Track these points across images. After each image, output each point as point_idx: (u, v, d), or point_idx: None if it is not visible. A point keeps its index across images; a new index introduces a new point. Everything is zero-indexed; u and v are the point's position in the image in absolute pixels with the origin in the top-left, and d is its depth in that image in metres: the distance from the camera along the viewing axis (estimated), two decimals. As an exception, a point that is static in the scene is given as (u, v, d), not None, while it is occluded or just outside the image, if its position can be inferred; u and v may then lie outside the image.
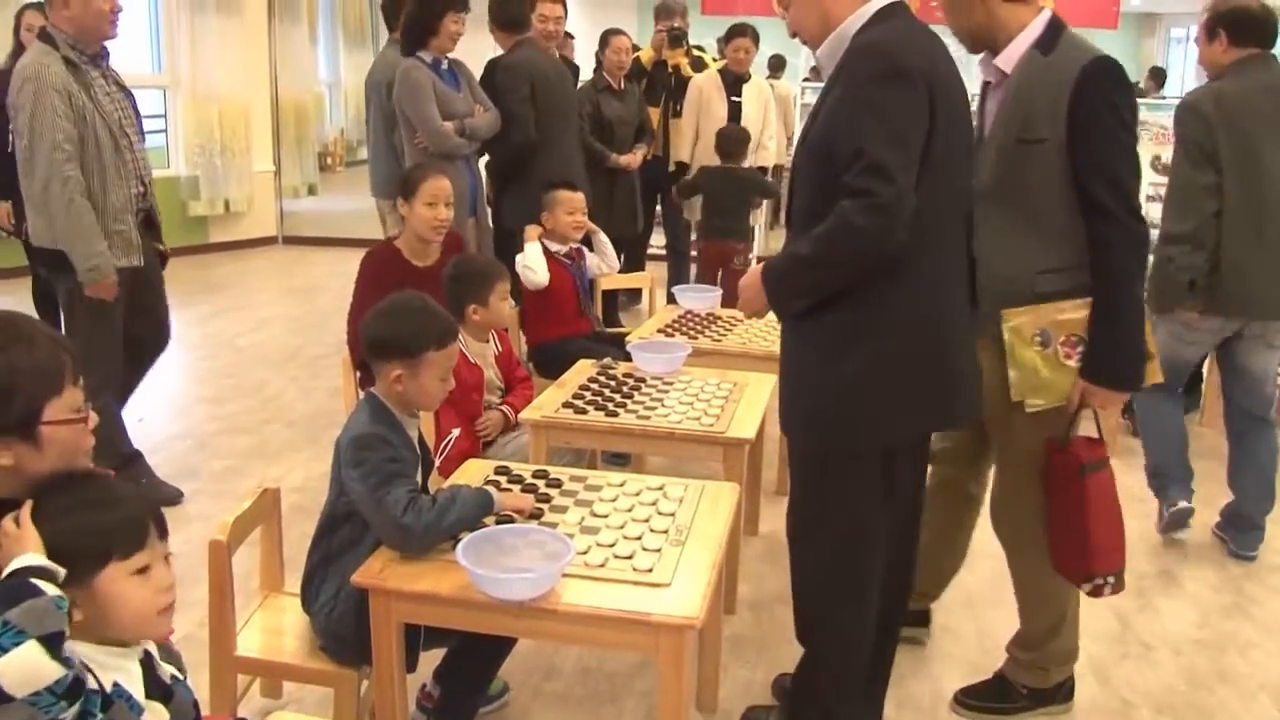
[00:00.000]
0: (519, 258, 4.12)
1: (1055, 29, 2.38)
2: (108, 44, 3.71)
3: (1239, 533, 3.82)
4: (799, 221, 2.19)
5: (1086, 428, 2.58)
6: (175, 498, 3.91)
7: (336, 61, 14.36)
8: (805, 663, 2.45)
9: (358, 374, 3.66)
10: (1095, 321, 2.38)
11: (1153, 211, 8.22)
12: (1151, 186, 8.40)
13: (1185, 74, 18.53)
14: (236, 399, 5.17)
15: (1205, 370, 5.24)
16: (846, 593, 2.31)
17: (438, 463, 3.19)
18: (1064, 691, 2.79)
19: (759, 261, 2.84)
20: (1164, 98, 15.92)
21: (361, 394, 3.62)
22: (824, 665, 2.39)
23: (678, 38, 6.41)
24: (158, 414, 4.93)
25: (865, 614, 2.34)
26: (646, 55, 6.45)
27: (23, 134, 3.45)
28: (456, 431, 3.25)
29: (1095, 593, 2.52)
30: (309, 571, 2.29)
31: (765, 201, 6.58)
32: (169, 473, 4.19)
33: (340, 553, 2.23)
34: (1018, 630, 2.81)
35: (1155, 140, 8.60)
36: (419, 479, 2.28)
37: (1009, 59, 2.41)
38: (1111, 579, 2.50)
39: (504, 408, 3.39)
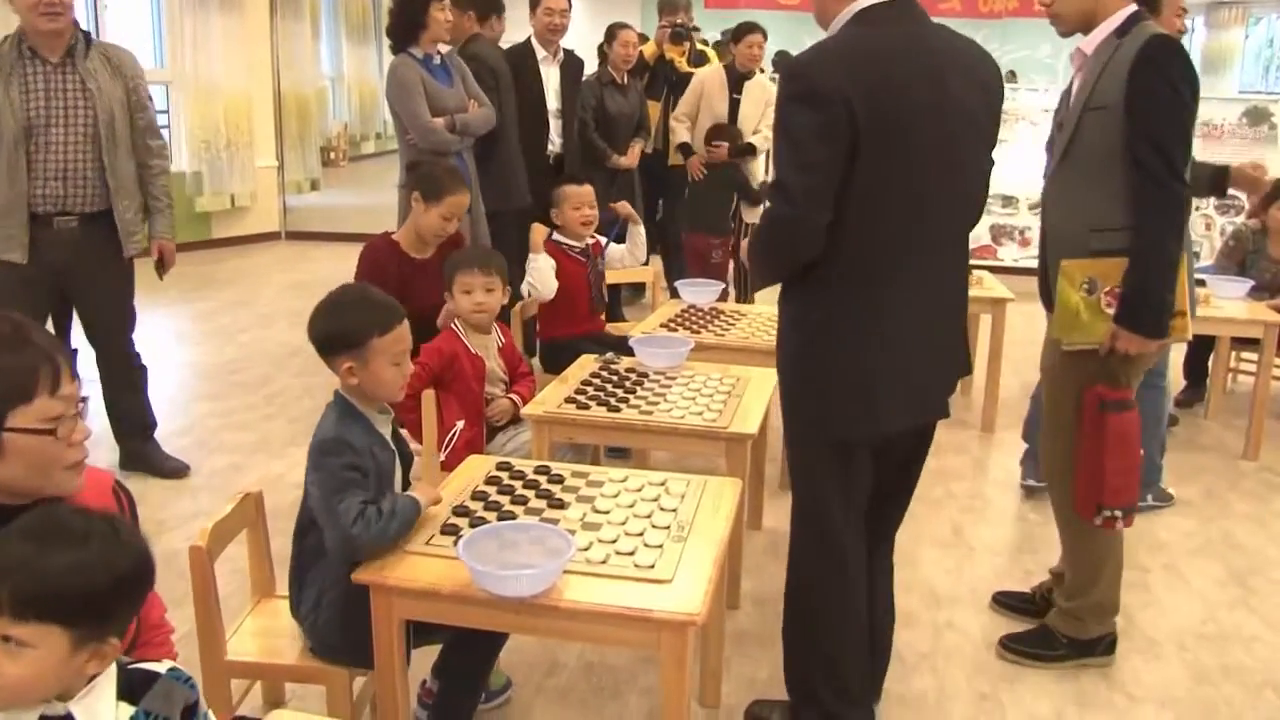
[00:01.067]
0: (528, 266, 4.11)
1: (1136, 17, 2.65)
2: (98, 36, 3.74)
3: (1146, 489, 3.99)
4: None
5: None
6: (182, 470, 4.07)
7: (339, 56, 14.39)
8: (798, 663, 2.49)
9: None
10: (1128, 270, 2.59)
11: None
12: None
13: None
14: (239, 395, 5.16)
15: (1210, 364, 5.23)
16: (825, 566, 2.39)
17: (443, 456, 3.20)
18: (1104, 645, 2.95)
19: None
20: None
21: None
22: (816, 653, 2.44)
23: (679, 34, 6.41)
24: (159, 410, 4.89)
25: (848, 595, 2.40)
26: (649, 50, 6.44)
27: None
28: (461, 424, 3.25)
29: (1107, 525, 2.71)
30: (290, 576, 2.28)
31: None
32: (171, 469, 4.22)
33: (313, 559, 2.21)
34: (1065, 580, 2.99)
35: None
36: (397, 476, 2.27)
37: (1091, 43, 2.70)
38: (1120, 512, 2.70)
39: (512, 396, 3.39)
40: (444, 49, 4.66)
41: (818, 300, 2.25)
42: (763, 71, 6.25)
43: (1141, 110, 2.53)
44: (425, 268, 3.71)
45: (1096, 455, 2.66)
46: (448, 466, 3.20)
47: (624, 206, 4.63)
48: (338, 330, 2.22)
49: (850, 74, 2.07)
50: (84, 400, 1.63)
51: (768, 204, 2.22)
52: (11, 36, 3.66)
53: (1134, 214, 2.57)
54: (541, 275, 4.06)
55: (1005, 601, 3.28)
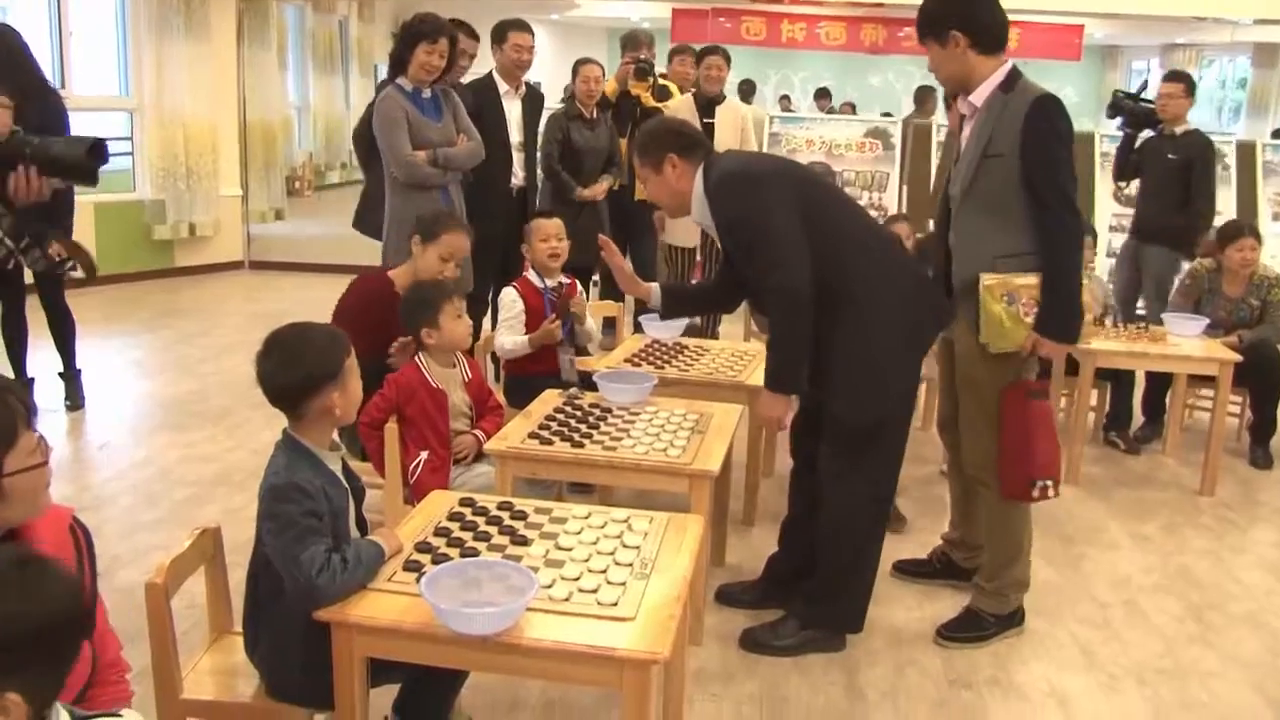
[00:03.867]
0: (498, 342, 4.10)
1: (1014, 75, 3.10)
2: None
3: None
4: None
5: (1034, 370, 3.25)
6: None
7: (306, 85, 14.36)
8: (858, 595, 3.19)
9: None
10: (1043, 289, 3.06)
11: (1114, 241, 8.33)
12: (1114, 217, 8.51)
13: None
14: (200, 426, 5.12)
15: (1168, 401, 5.30)
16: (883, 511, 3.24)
17: (410, 482, 3.19)
18: (1019, 615, 3.39)
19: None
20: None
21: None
22: (865, 575, 3.19)
23: (643, 70, 6.43)
24: (120, 441, 4.88)
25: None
26: (610, 87, 6.46)
27: None
28: (424, 455, 3.24)
29: (1041, 495, 3.14)
30: (245, 617, 2.25)
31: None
32: (130, 502, 4.17)
33: (267, 602, 2.18)
34: (983, 564, 3.39)
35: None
36: (350, 509, 2.26)
37: (980, 97, 3.11)
38: (1049, 482, 3.14)
39: (476, 432, 3.38)
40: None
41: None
42: (724, 99, 6.28)
43: (1039, 158, 2.99)
44: None
45: (1024, 437, 3.10)
46: (416, 497, 3.19)
47: (578, 302, 4.28)
48: (318, 367, 2.20)
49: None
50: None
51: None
52: None
53: (1039, 243, 3.04)
54: (506, 343, 4.07)
55: (906, 569, 3.75)
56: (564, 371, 4.11)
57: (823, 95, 13.78)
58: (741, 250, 3.07)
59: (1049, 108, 3.01)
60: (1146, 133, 5.99)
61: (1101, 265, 7.60)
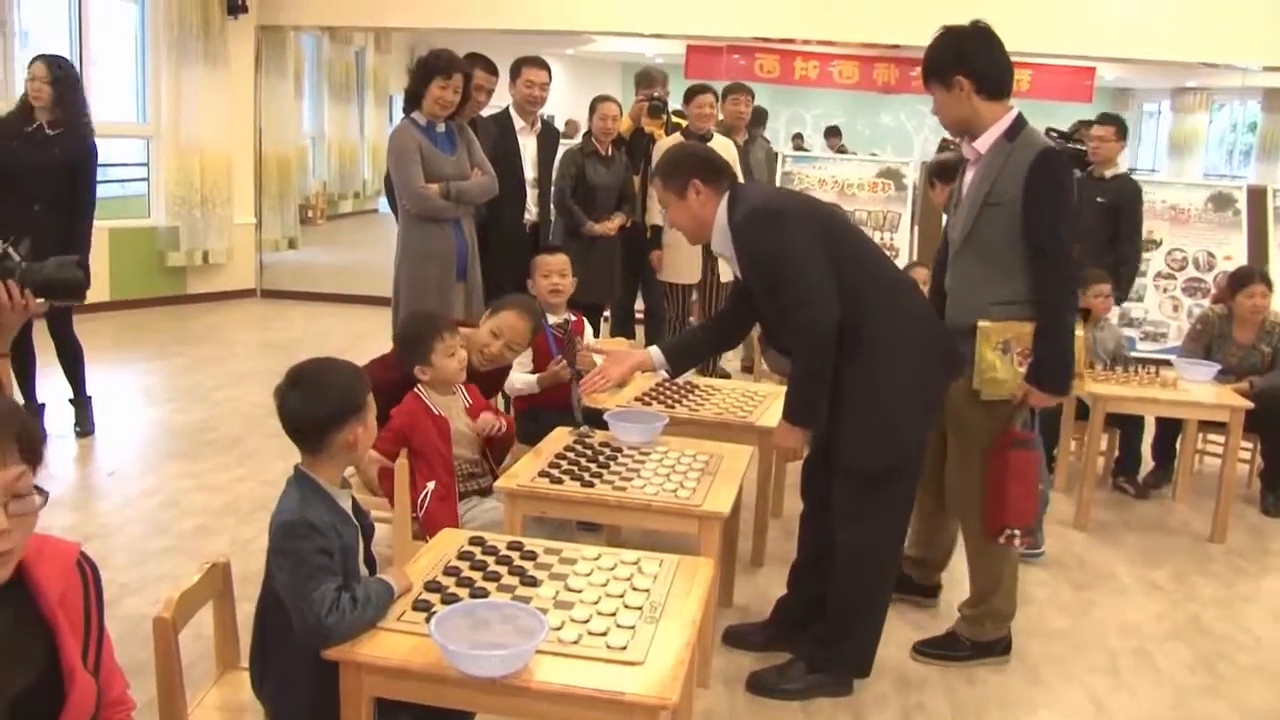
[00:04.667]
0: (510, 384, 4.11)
1: (1020, 123, 3.13)
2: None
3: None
4: None
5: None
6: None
7: (321, 115, 14.47)
8: (846, 627, 3.15)
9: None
10: (1036, 339, 3.11)
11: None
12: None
13: (1157, 146, 18.90)
14: (210, 455, 5.13)
15: (1178, 447, 5.28)
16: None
17: (419, 513, 3.20)
18: (1001, 645, 3.47)
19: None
20: (1132, 172, 16.26)
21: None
22: (875, 618, 3.18)
23: (657, 108, 6.48)
24: (129, 469, 4.89)
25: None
26: (625, 124, 6.50)
27: None
28: (432, 485, 3.24)
29: (1008, 541, 3.21)
30: (252, 653, 2.25)
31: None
32: (138, 531, 4.17)
33: (277, 638, 2.17)
34: (970, 592, 3.47)
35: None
36: (360, 547, 2.27)
37: (984, 143, 3.15)
38: (1019, 532, 3.20)
39: (494, 415, 3.47)
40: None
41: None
42: (712, 136, 6.30)
43: (1041, 210, 3.04)
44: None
45: (1000, 481, 3.18)
46: (425, 528, 3.20)
47: (585, 358, 4.19)
48: (347, 401, 2.22)
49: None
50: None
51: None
52: None
53: (1035, 292, 3.09)
54: (518, 383, 4.08)
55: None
56: (575, 409, 4.11)
57: (833, 134, 13.82)
58: (765, 287, 3.05)
59: (1054, 162, 3.06)
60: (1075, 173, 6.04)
61: (1114, 310, 7.58)
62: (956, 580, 3.74)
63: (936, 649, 3.47)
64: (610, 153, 6.10)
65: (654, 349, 3.42)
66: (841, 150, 12.58)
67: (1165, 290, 8.44)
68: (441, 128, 4.65)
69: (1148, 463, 5.44)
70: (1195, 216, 8.35)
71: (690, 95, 6.27)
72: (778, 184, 8.26)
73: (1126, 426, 5.27)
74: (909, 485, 3.14)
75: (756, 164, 6.91)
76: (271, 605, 2.17)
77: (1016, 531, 3.21)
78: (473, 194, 4.70)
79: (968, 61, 3.10)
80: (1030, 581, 4.11)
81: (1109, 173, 5.82)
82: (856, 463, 3.06)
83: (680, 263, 6.27)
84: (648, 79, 6.79)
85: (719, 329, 3.55)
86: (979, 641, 3.43)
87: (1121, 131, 5.84)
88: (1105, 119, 5.97)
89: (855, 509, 3.08)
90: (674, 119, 6.77)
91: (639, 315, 6.94)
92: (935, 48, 3.17)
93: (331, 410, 2.20)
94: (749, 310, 3.33)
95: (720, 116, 6.76)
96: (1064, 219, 3.07)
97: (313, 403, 2.21)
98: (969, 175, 3.24)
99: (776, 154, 8.13)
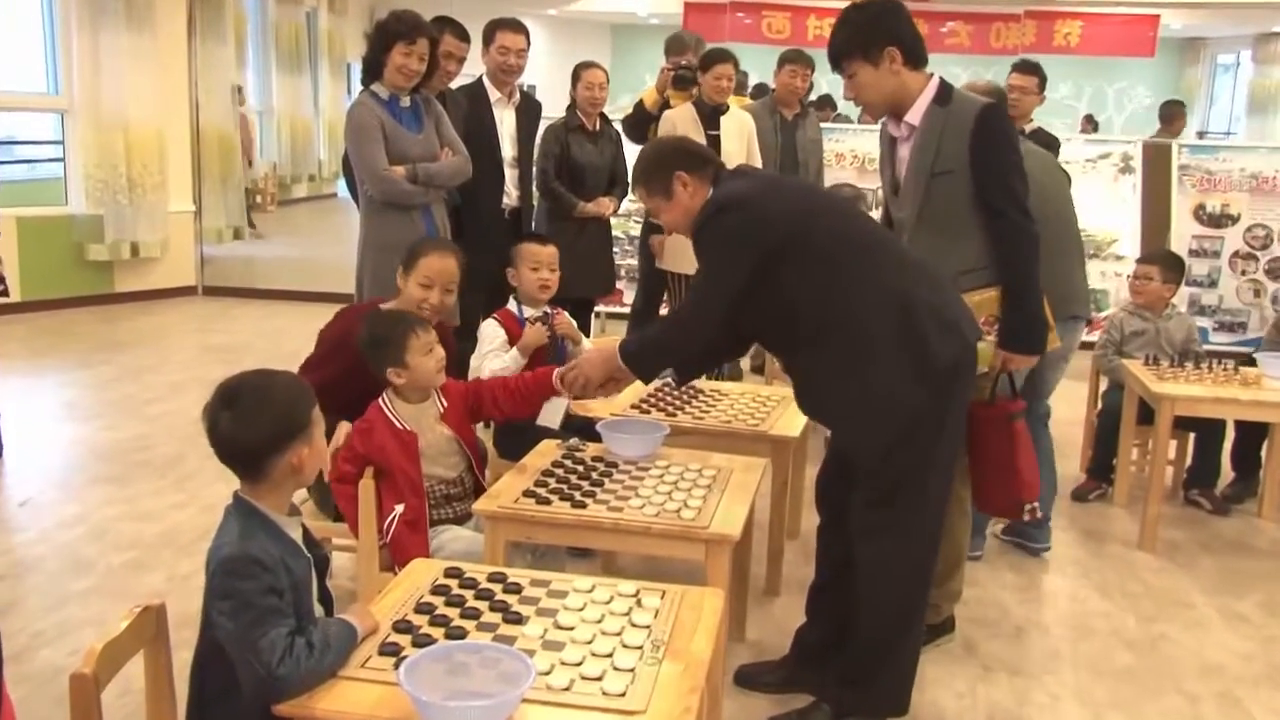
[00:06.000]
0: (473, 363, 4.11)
1: (947, 88, 3.38)
2: None
3: (1036, 528, 4.61)
4: None
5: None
6: None
7: (268, 86, 14.46)
8: (882, 657, 3.15)
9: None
10: (1005, 302, 3.37)
11: (1196, 267, 8.35)
12: (1195, 240, 8.52)
13: (1234, 105, 18.89)
14: (144, 479, 5.13)
15: (1263, 454, 5.29)
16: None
17: (384, 541, 3.20)
18: (949, 624, 3.82)
19: None
20: (1203, 137, 16.22)
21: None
22: (909, 647, 3.19)
23: (685, 79, 6.33)
24: (45, 496, 4.88)
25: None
26: (651, 98, 6.45)
27: None
28: (400, 508, 3.24)
29: (1030, 516, 3.44)
30: (188, 714, 2.23)
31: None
32: (55, 568, 4.16)
33: (216, 696, 2.16)
34: None
35: (1199, 188, 8.71)
36: (313, 582, 2.27)
37: (917, 114, 3.36)
38: (1035, 505, 3.42)
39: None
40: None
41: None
42: (728, 108, 6.28)
43: (992, 168, 3.29)
44: None
45: (1010, 459, 3.38)
46: (393, 553, 3.22)
47: (563, 322, 4.31)
48: (288, 422, 2.20)
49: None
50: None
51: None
52: None
53: (998, 254, 3.33)
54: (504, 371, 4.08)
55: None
56: (543, 415, 4.06)
57: (825, 104, 12.73)
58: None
59: (995, 117, 3.33)
60: None
61: (1182, 296, 7.60)
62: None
63: None
64: (598, 128, 6.10)
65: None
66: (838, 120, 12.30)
67: (1244, 273, 8.46)
68: (406, 101, 4.65)
69: (1227, 474, 5.45)
70: (1281, 184, 8.38)
71: (707, 63, 6.17)
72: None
73: (1202, 432, 5.27)
74: (935, 492, 3.12)
75: (806, 145, 6.69)
76: (210, 655, 2.16)
77: (1035, 505, 3.42)
78: (443, 177, 4.70)
79: (894, 30, 3.30)
80: (1088, 612, 4.12)
81: (1028, 128, 5.91)
82: (852, 446, 3.14)
83: (683, 250, 6.25)
84: (678, 44, 6.65)
85: (726, 333, 3.50)
86: (934, 624, 3.69)
87: (1043, 82, 5.96)
88: (1025, 67, 6.08)
89: (875, 521, 3.07)
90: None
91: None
92: (854, 24, 3.35)
93: (271, 433, 2.19)
94: None
95: (772, 87, 6.73)
96: (1016, 173, 3.33)
97: (248, 425, 2.19)
98: (902, 152, 3.44)
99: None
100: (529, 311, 4.20)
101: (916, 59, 3.34)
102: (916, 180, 3.37)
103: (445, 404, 3.48)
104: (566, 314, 4.37)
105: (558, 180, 5.91)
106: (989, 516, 4.53)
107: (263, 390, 2.24)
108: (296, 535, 2.26)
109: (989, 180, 3.30)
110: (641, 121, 6.44)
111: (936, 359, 2.98)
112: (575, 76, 6.08)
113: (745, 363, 7.38)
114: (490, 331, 4.14)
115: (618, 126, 6.44)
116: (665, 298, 6.43)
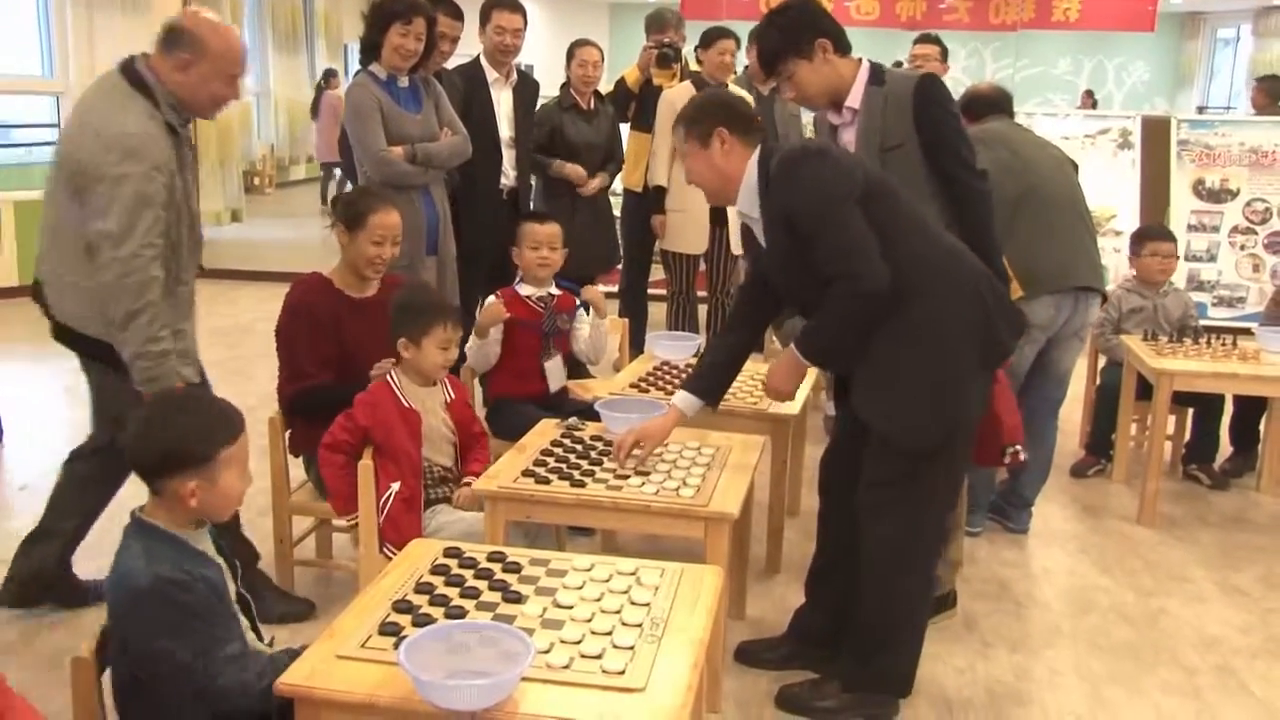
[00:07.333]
0: (467, 347, 4.12)
1: (879, 69, 3.51)
2: None
3: (1016, 510, 4.66)
4: None
5: None
6: (303, 613, 3.67)
7: (265, 68, 14.43)
8: (883, 640, 3.15)
9: (287, 433, 3.66)
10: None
11: (1195, 242, 8.35)
12: (1194, 215, 8.51)
13: (1235, 79, 18.84)
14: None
15: (1263, 429, 5.29)
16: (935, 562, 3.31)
17: (381, 520, 3.21)
18: (950, 599, 3.84)
19: None
20: (1202, 112, 16.17)
21: (291, 459, 3.67)
22: (913, 628, 3.19)
23: (667, 57, 6.36)
24: (45, 481, 4.84)
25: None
26: (633, 76, 6.45)
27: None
28: (396, 486, 3.26)
29: (1012, 460, 3.42)
30: None
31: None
32: (62, 550, 4.15)
33: None
34: None
35: (1198, 163, 8.69)
36: (230, 588, 2.28)
37: (856, 97, 3.47)
38: (1017, 447, 3.40)
39: (467, 481, 3.43)
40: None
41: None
42: (727, 87, 6.26)
43: (940, 137, 3.44)
44: (365, 307, 3.71)
45: (991, 408, 3.31)
46: (386, 534, 3.24)
47: (593, 294, 4.41)
48: (180, 446, 2.17)
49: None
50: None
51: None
52: (147, 119, 3.30)
53: (957, 215, 3.44)
54: (479, 357, 4.11)
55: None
56: (550, 377, 4.19)
57: None
58: (800, 243, 3.00)
59: (932, 86, 3.47)
60: None
61: (1181, 271, 7.60)
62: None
63: None
64: (592, 105, 6.10)
65: (680, 395, 3.33)
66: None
67: (1243, 248, 8.45)
68: (405, 82, 4.64)
69: (1225, 448, 5.46)
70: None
71: (708, 40, 6.15)
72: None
73: (1201, 407, 5.28)
74: (948, 470, 3.13)
75: (784, 119, 6.82)
76: (129, 694, 2.16)
77: (1016, 448, 3.41)
78: (442, 157, 4.69)
79: (819, 24, 3.42)
80: (1087, 587, 4.14)
81: None
82: (899, 441, 3.01)
83: (686, 230, 6.23)
84: (659, 22, 6.67)
85: (740, 335, 3.46)
86: (935, 597, 3.64)
87: (945, 53, 6.03)
88: (926, 39, 6.18)
89: (883, 499, 3.06)
90: (694, 67, 6.70)
91: (657, 292, 6.91)
92: (778, 26, 3.43)
93: (159, 454, 2.17)
94: (766, 301, 3.36)
95: (746, 63, 6.74)
96: (959, 137, 3.50)
97: (140, 438, 2.19)
98: (847, 136, 3.52)
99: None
100: (529, 290, 4.20)
101: (845, 45, 3.45)
102: (869, 159, 3.38)
103: (453, 395, 3.51)
104: (597, 290, 4.45)
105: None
106: (991, 492, 4.58)
107: (174, 408, 2.25)
108: (207, 546, 2.26)
109: (937, 147, 3.44)
110: (622, 99, 6.44)
111: (1001, 346, 3.10)
112: (569, 55, 6.09)
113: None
114: (486, 305, 4.15)
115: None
116: (667, 278, 6.44)
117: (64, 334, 3.45)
